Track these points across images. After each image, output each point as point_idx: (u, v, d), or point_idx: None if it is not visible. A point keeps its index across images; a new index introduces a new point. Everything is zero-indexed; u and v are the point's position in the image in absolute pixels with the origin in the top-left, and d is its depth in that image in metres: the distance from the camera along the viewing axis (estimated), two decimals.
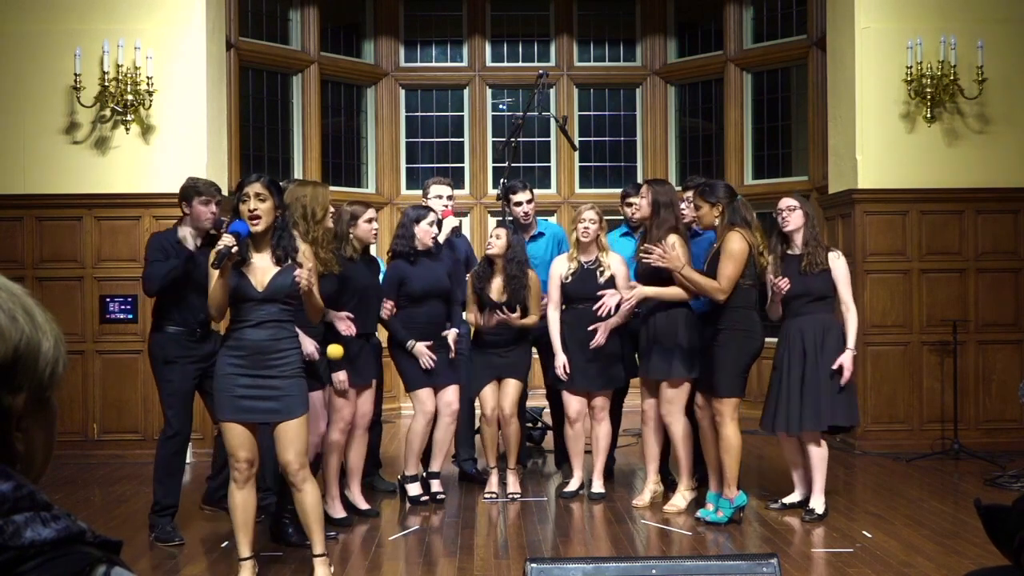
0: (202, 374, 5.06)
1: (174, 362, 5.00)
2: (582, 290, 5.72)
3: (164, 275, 4.89)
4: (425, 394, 5.68)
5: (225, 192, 6.19)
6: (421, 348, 5.60)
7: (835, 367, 5.27)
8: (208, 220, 5.05)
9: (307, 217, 4.72)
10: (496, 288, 5.74)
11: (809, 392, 5.28)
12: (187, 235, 5.06)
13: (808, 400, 5.29)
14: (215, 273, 3.94)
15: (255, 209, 3.97)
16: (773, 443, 6.78)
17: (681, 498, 5.56)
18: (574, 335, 5.73)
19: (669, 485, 5.86)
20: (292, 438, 4.07)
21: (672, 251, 5.15)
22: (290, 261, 4.04)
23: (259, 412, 4.05)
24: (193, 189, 5.10)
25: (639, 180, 9.44)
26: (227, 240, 3.87)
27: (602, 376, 5.75)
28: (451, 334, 5.71)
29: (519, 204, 6.31)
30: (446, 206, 6.18)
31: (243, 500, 4.10)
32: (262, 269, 4.02)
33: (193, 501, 5.64)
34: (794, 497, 5.59)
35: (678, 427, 5.50)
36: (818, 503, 5.37)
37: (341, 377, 5.13)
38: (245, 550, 4.16)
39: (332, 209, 4.93)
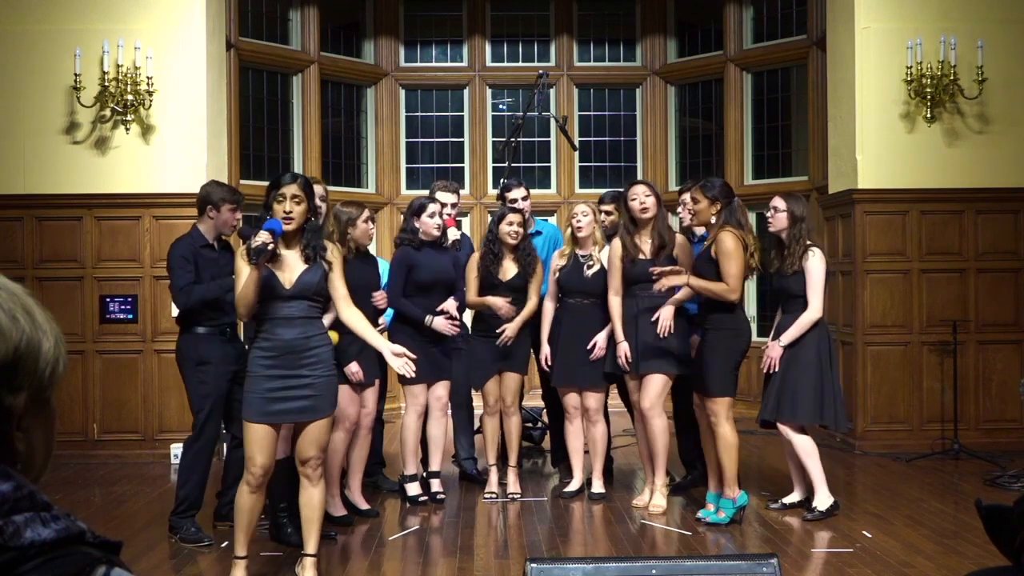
0: (233, 377, 5.00)
1: (209, 362, 4.96)
2: (570, 282, 5.74)
3: (201, 297, 4.90)
4: (418, 389, 5.69)
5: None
6: (441, 321, 5.58)
7: (763, 361, 5.37)
8: (232, 227, 5.05)
9: None
10: (506, 269, 5.73)
11: (775, 386, 5.35)
12: (210, 238, 5.05)
13: (773, 393, 5.35)
14: (244, 269, 3.94)
15: (290, 211, 3.99)
16: (773, 443, 6.78)
17: (660, 496, 5.57)
18: (567, 332, 5.74)
19: (673, 484, 5.86)
20: (318, 435, 4.10)
21: (671, 273, 5.15)
22: (318, 260, 4.07)
23: (290, 413, 4.05)
24: (219, 195, 5.07)
25: (639, 180, 9.44)
26: (264, 236, 3.89)
27: (595, 374, 5.74)
28: (449, 302, 5.66)
29: (514, 201, 6.30)
30: (449, 214, 6.14)
31: (252, 504, 4.10)
32: (290, 266, 4.03)
33: (207, 503, 5.65)
34: (794, 497, 5.60)
35: (657, 423, 5.49)
36: (821, 500, 5.37)
37: (354, 368, 5.13)
38: (242, 550, 4.17)
39: (319, 204, 4.88)
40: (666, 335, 5.37)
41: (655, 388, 5.47)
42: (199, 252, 5.00)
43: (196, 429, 5.00)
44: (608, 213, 6.08)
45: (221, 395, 4.99)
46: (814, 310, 5.31)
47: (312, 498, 4.16)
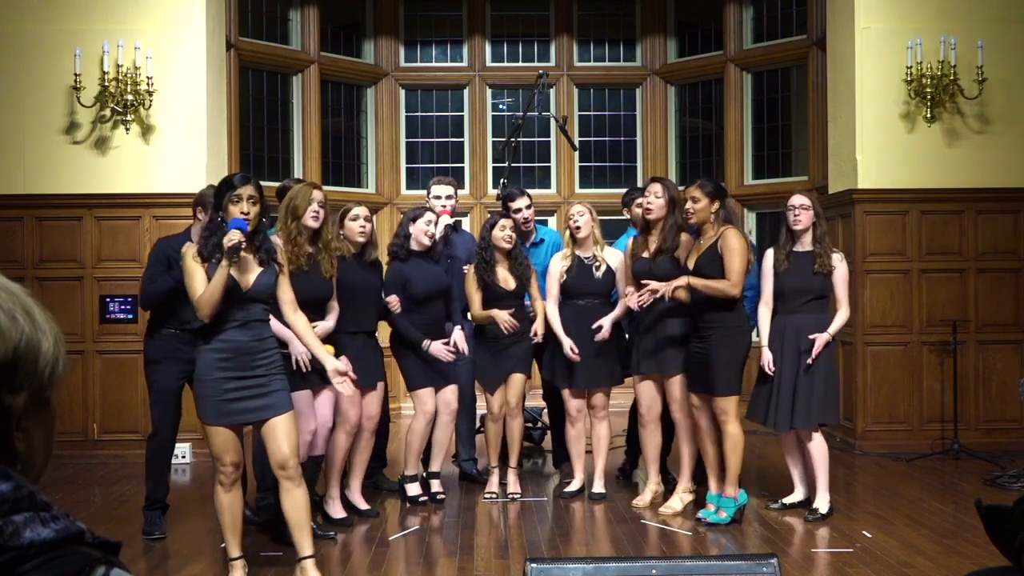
0: (189, 376, 5.07)
1: (158, 362, 5.07)
2: (580, 285, 5.73)
3: (161, 294, 4.98)
4: (426, 394, 5.67)
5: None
6: (438, 347, 5.57)
7: (813, 346, 5.28)
8: None
9: (287, 214, 4.83)
10: (503, 277, 5.74)
11: (802, 390, 5.30)
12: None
13: (801, 398, 5.30)
14: (197, 270, 3.96)
15: (248, 212, 4.00)
16: (773, 443, 6.78)
17: (678, 500, 5.55)
18: (574, 332, 5.72)
19: (669, 484, 5.85)
20: (287, 432, 4.09)
21: (662, 288, 5.16)
22: (271, 262, 4.12)
23: (250, 412, 4.06)
24: (209, 199, 5.10)
25: (639, 180, 9.45)
26: (236, 235, 3.90)
27: (603, 373, 5.75)
28: (457, 334, 5.70)
29: (518, 211, 6.28)
30: (444, 206, 6.15)
31: (230, 502, 4.16)
32: (247, 269, 4.06)
33: (192, 500, 5.64)
34: (795, 497, 5.58)
35: (685, 425, 5.49)
36: (822, 502, 5.36)
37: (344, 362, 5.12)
38: (235, 550, 4.21)
39: (317, 209, 4.86)
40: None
41: (680, 389, 5.48)
42: (175, 252, 4.99)
43: (153, 426, 5.16)
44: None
45: (172, 392, 5.09)
46: (847, 311, 5.44)
47: (297, 500, 4.14)
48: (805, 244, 5.39)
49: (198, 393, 4.11)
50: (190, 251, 4.04)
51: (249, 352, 4.03)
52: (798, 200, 5.41)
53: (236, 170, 8.09)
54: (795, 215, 5.38)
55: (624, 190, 7.04)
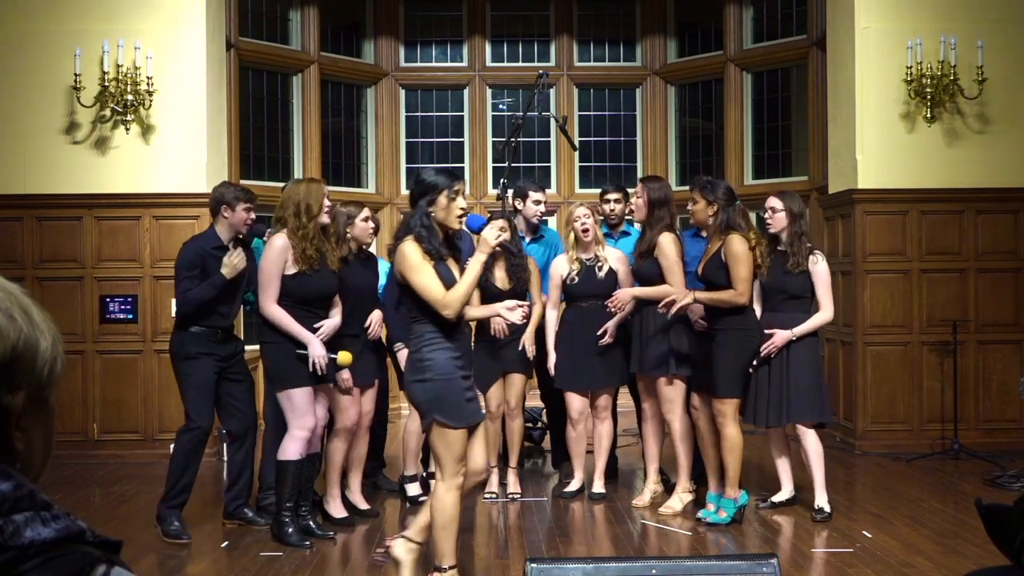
0: (221, 373, 5.10)
1: (194, 357, 5.03)
2: (586, 288, 5.73)
3: (199, 301, 4.95)
4: None
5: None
6: (403, 356, 5.56)
7: (766, 344, 5.24)
8: (247, 225, 5.08)
9: (300, 213, 4.78)
10: (500, 278, 5.73)
11: (775, 388, 5.29)
12: (225, 239, 5.08)
13: (774, 396, 5.30)
14: (427, 265, 3.80)
15: (465, 208, 3.95)
16: None
17: (678, 500, 5.55)
18: (579, 333, 5.73)
19: (668, 484, 5.85)
20: (482, 436, 4.01)
21: (675, 295, 5.17)
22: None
23: (477, 413, 3.97)
24: (233, 194, 5.10)
25: (641, 177, 9.43)
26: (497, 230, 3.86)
27: (608, 373, 5.75)
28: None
29: (538, 203, 6.30)
30: None
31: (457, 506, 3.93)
32: (454, 267, 3.95)
33: (193, 500, 5.62)
34: (782, 495, 5.57)
35: (679, 425, 5.50)
36: (822, 500, 5.36)
37: (345, 375, 5.14)
38: (453, 559, 3.95)
39: (328, 205, 4.92)
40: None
41: (670, 391, 5.47)
42: (209, 254, 5.03)
43: (187, 418, 5.07)
44: (617, 202, 6.14)
45: (208, 385, 5.05)
46: (828, 312, 5.33)
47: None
48: (784, 243, 5.42)
49: (440, 396, 3.80)
50: (416, 249, 3.82)
51: (469, 351, 4.02)
52: (769, 203, 5.45)
53: (236, 170, 8.10)
54: (767, 218, 5.43)
55: (631, 190, 7.05)
